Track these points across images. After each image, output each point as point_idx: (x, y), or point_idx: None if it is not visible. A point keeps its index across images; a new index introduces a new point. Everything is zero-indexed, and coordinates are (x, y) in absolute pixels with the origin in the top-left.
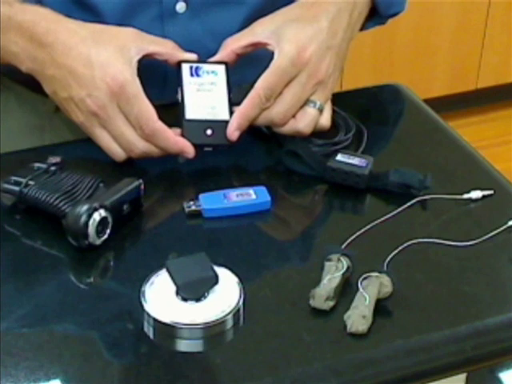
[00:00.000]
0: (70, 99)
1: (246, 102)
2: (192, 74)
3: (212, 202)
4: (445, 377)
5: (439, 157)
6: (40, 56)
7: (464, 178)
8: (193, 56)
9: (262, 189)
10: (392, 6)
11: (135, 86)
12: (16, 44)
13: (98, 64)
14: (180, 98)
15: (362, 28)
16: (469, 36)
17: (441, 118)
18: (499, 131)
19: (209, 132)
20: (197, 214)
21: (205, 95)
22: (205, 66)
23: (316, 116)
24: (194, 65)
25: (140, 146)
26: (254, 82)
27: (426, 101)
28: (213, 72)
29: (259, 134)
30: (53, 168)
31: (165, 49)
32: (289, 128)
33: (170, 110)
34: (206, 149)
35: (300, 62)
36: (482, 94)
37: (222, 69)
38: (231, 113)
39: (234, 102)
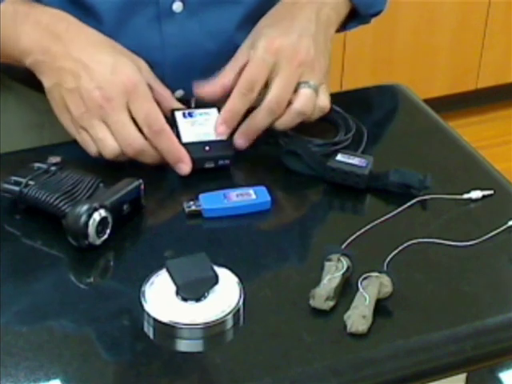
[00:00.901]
0: (76, 89)
1: (230, 97)
2: (185, 117)
3: (212, 201)
4: (445, 377)
5: (439, 157)
6: (54, 48)
7: (464, 178)
8: (183, 107)
9: (262, 189)
10: (372, 6)
11: (146, 88)
12: (28, 36)
13: (112, 67)
14: (176, 135)
15: (345, 27)
16: (469, 36)
17: (441, 118)
18: (499, 131)
19: (207, 148)
20: (197, 214)
21: (199, 127)
22: (197, 110)
23: (311, 95)
24: (187, 111)
25: (139, 142)
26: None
27: (426, 101)
28: (205, 113)
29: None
30: (53, 168)
31: (165, 91)
32: (288, 115)
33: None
34: (207, 166)
35: (273, 48)
36: (481, 94)
37: (214, 110)
38: (227, 135)
39: None
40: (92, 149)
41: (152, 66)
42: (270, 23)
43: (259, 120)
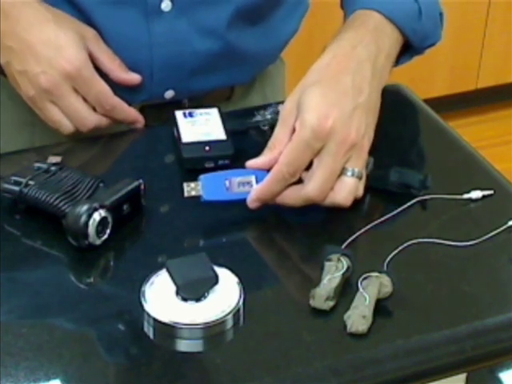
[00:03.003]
0: (25, 73)
1: (269, 177)
2: (186, 117)
3: (212, 190)
4: (445, 377)
5: (439, 157)
6: (2, 26)
7: (464, 178)
8: (136, 77)
9: (264, 174)
10: (427, 39)
11: (90, 69)
12: None
13: (56, 46)
14: (176, 135)
15: (398, 63)
16: (469, 36)
17: (441, 118)
18: (499, 131)
19: (207, 148)
20: (196, 198)
21: (200, 127)
22: (198, 110)
23: (354, 184)
24: (188, 111)
25: (93, 119)
26: (251, 114)
27: (426, 101)
28: (206, 113)
29: (259, 134)
30: (53, 168)
31: (113, 62)
32: (328, 202)
33: (158, 109)
34: (207, 166)
35: (323, 131)
36: (481, 94)
37: (214, 110)
38: (227, 135)
39: (229, 129)
40: (53, 125)
41: (140, 65)
42: (320, 77)
43: (291, 201)
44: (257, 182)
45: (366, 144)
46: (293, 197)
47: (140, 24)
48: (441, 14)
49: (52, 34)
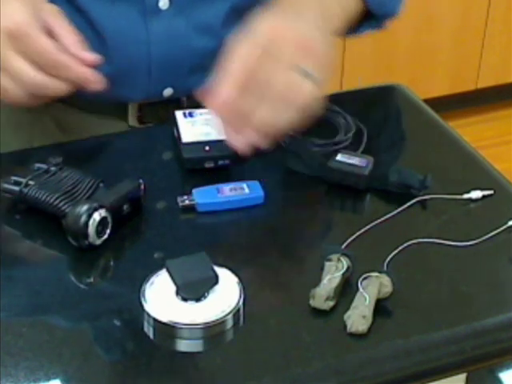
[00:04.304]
0: None
1: (228, 82)
2: (186, 117)
3: (205, 196)
4: (445, 377)
5: (439, 157)
6: None
7: (464, 178)
8: (93, 57)
9: (255, 183)
10: (384, 5)
11: (32, 27)
12: None
13: (8, 13)
14: (176, 135)
15: (358, 30)
16: (469, 36)
17: (441, 118)
18: (499, 131)
19: (207, 148)
20: (190, 208)
21: (200, 127)
22: (197, 111)
23: (309, 84)
24: (187, 111)
25: (37, 79)
26: None
27: (426, 101)
28: (206, 113)
29: None
30: (53, 168)
31: (71, 36)
32: (284, 100)
33: (157, 108)
34: (207, 166)
35: (273, 35)
36: (481, 94)
37: None
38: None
39: None
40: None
41: (138, 63)
42: (270, 14)
43: (262, 114)
44: (248, 189)
45: (323, 56)
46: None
47: (138, 22)
48: None
49: (9, 7)
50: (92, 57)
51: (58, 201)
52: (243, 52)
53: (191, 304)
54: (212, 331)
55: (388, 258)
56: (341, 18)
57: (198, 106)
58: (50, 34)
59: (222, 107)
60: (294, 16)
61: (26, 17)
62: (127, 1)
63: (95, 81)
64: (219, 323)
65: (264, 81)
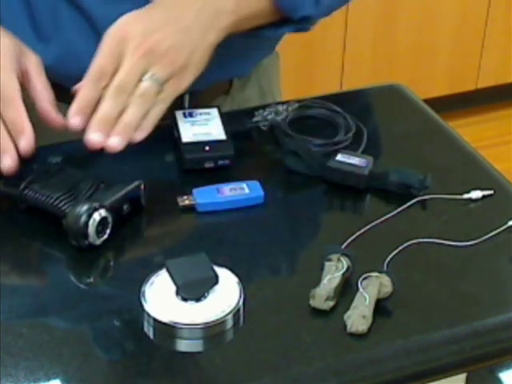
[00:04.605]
0: None
1: (83, 84)
2: (186, 116)
3: (205, 196)
4: (445, 377)
5: (439, 157)
6: None
7: (464, 178)
8: (59, 120)
9: (255, 183)
10: (296, 9)
11: (6, 68)
12: None
13: None
14: (176, 135)
15: (279, 29)
16: (469, 36)
17: (441, 118)
18: (499, 131)
19: (207, 148)
20: (190, 209)
21: (199, 127)
22: (198, 110)
23: (150, 87)
24: (187, 111)
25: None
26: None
27: (426, 101)
28: (206, 113)
29: (259, 134)
30: (53, 168)
31: (44, 90)
32: (125, 104)
33: None
34: (207, 166)
35: (120, 35)
36: (481, 94)
37: (214, 110)
38: (227, 135)
39: (229, 129)
40: None
41: None
42: (141, 11)
43: (105, 108)
44: (248, 189)
45: (172, 59)
46: (102, 103)
47: None
48: None
49: None
50: (60, 120)
51: (58, 201)
52: (99, 50)
53: (191, 304)
54: (212, 331)
55: (388, 258)
56: (233, 14)
57: (199, 106)
58: (24, 80)
59: (82, 105)
60: (155, 14)
61: (6, 51)
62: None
63: (27, 137)
64: (219, 323)
65: (116, 83)
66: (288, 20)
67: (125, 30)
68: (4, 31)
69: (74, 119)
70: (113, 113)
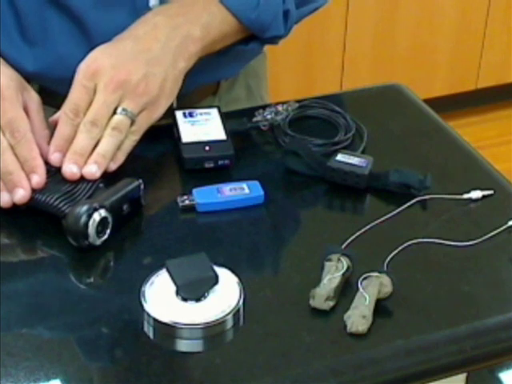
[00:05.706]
0: None
1: (58, 124)
2: (186, 116)
3: (205, 196)
4: (445, 377)
5: (439, 157)
6: None
7: (464, 178)
8: (54, 157)
9: (255, 183)
10: (267, 30)
11: (14, 95)
12: None
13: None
14: (176, 135)
15: (248, 44)
16: (469, 36)
17: (441, 118)
18: (499, 131)
19: (207, 148)
20: (190, 209)
21: (199, 127)
22: (197, 110)
23: (123, 121)
24: (187, 110)
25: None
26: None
27: (426, 101)
28: (206, 113)
29: (259, 134)
30: (53, 168)
31: (40, 127)
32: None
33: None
34: (207, 166)
35: (90, 71)
36: (481, 94)
37: (214, 110)
38: (227, 135)
39: (229, 129)
40: None
41: None
42: (110, 44)
43: (79, 141)
44: (248, 189)
45: (143, 90)
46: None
47: (129, 22)
48: (287, 11)
49: None
50: (55, 158)
51: (58, 201)
52: (73, 86)
53: (191, 304)
54: (212, 331)
55: (388, 258)
56: (201, 40)
57: (185, 106)
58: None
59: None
60: (125, 47)
61: (10, 83)
62: (118, 4)
63: (40, 174)
64: (219, 323)
65: (89, 117)
66: (257, 37)
67: (95, 64)
68: (4, 62)
69: (54, 156)
70: (87, 146)
